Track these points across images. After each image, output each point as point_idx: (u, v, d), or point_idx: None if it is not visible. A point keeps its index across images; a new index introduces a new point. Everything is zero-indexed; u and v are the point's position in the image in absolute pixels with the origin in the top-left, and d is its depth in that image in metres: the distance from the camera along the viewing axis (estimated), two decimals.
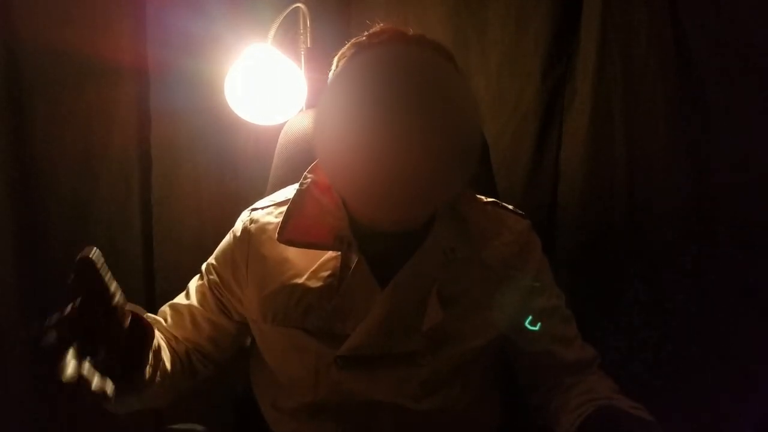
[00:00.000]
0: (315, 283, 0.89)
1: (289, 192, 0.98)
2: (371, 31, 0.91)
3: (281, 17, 1.32)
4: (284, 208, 0.93)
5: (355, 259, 0.88)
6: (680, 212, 1.30)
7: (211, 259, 0.99)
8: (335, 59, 0.93)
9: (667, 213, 1.31)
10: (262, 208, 0.97)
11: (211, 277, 0.97)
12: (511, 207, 1.01)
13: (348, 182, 0.76)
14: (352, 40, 0.91)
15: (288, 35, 1.39)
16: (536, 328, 0.93)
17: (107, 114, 1.39)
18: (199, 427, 1.06)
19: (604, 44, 1.35)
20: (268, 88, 1.27)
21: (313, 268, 0.89)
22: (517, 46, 1.42)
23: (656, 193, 1.33)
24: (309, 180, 0.92)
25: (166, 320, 0.97)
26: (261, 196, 1.17)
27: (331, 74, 0.92)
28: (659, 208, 1.32)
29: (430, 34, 0.91)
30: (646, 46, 1.31)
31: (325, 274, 0.89)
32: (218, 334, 0.97)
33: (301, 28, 1.38)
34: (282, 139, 1.19)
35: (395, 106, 0.71)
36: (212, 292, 0.97)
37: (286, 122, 1.23)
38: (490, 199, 1.00)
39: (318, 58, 1.40)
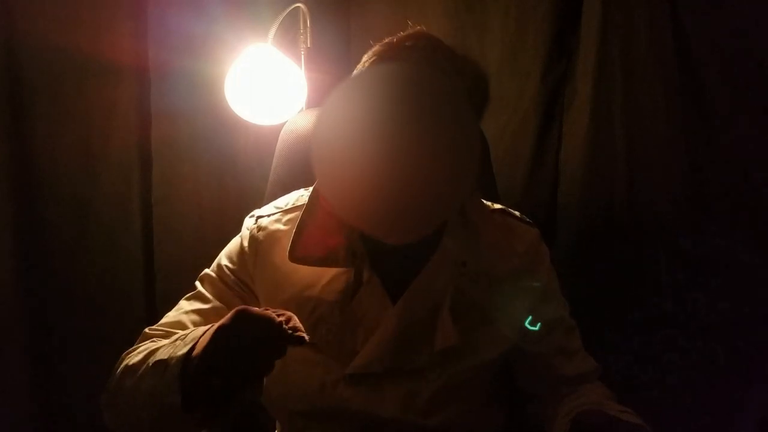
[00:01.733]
0: (328, 296, 0.87)
1: (291, 198, 0.96)
2: (406, 33, 0.88)
3: (281, 17, 1.32)
4: (291, 216, 0.92)
5: (367, 275, 0.87)
6: (680, 212, 1.30)
7: (223, 262, 0.96)
8: (364, 57, 0.90)
9: (667, 212, 1.31)
10: (268, 216, 0.95)
11: (231, 278, 0.94)
12: (518, 214, 1.00)
13: (341, 198, 0.74)
14: (385, 40, 0.88)
15: (288, 35, 1.39)
16: (536, 329, 0.93)
17: (107, 114, 1.40)
18: None
19: (604, 44, 1.34)
20: (268, 88, 1.28)
21: (326, 281, 0.88)
22: (517, 46, 1.42)
23: (656, 192, 1.33)
24: (318, 194, 0.91)
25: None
26: (261, 195, 1.17)
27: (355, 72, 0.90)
28: (659, 207, 1.32)
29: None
30: (646, 46, 1.31)
31: (338, 287, 0.88)
32: None
33: (301, 28, 1.38)
34: (282, 139, 1.19)
35: (392, 127, 0.70)
36: (234, 290, 0.94)
37: (286, 122, 1.23)
38: (498, 207, 0.99)
39: (318, 58, 1.40)
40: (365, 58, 0.89)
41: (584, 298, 1.18)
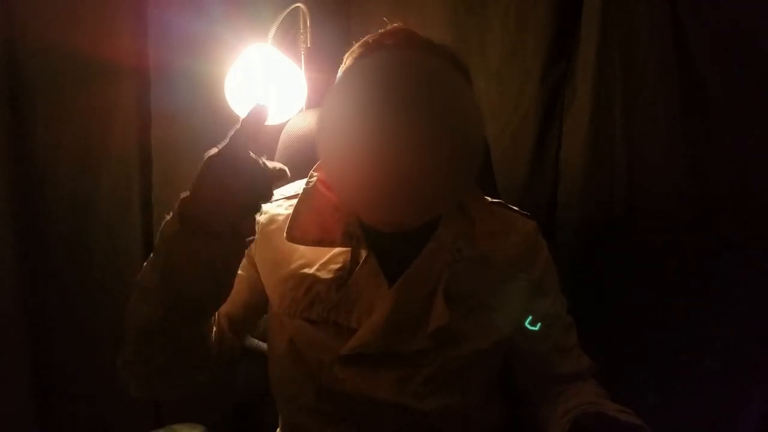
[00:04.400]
0: (325, 275, 0.89)
1: (297, 186, 0.98)
2: (383, 30, 0.91)
3: (281, 17, 1.32)
4: (293, 201, 0.93)
5: (363, 255, 0.88)
6: (680, 212, 1.31)
7: None
8: (345, 57, 0.92)
9: (667, 212, 1.31)
10: (272, 201, 0.97)
11: None
12: (516, 208, 1.01)
13: (347, 186, 0.75)
14: (364, 39, 0.91)
15: (288, 35, 1.39)
16: (536, 328, 0.93)
17: (107, 114, 1.40)
18: (199, 427, 1.06)
19: (604, 44, 1.35)
20: (268, 88, 1.28)
21: (324, 260, 0.90)
22: (517, 46, 1.42)
23: (656, 193, 1.33)
24: (315, 178, 0.92)
25: None
26: None
27: (339, 72, 0.92)
28: (659, 207, 1.33)
29: (430, 34, 0.91)
30: (646, 46, 1.31)
31: (335, 267, 0.89)
32: (253, 299, 0.96)
33: (301, 28, 1.38)
34: (283, 139, 1.19)
35: (398, 113, 0.71)
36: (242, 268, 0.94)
37: (286, 122, 1.23)
38: (496, 200, 1.00)
39: (318, 58, 1.40)
40: (347, 58, 0.91)
41: (583, 298, 1.19)
